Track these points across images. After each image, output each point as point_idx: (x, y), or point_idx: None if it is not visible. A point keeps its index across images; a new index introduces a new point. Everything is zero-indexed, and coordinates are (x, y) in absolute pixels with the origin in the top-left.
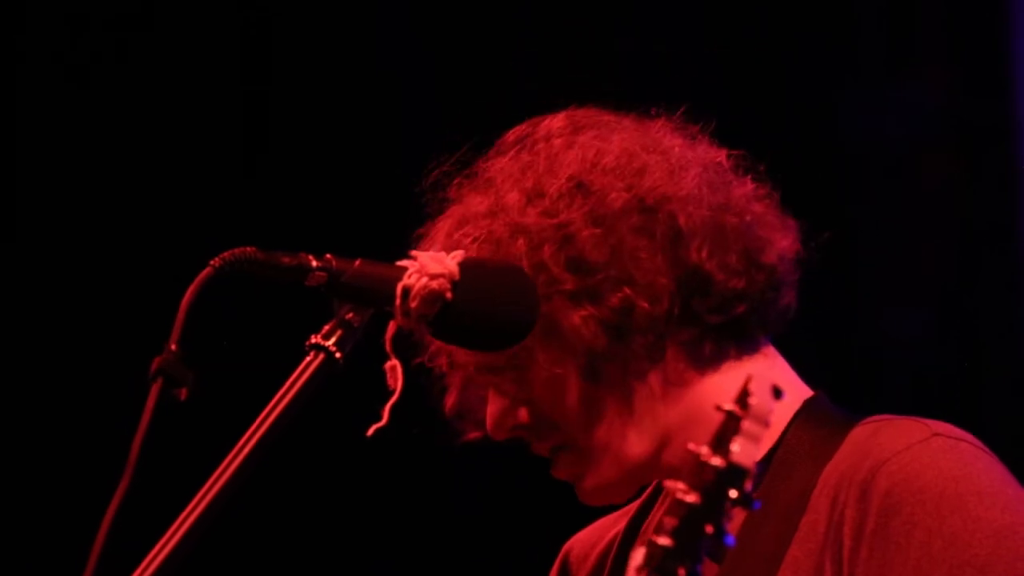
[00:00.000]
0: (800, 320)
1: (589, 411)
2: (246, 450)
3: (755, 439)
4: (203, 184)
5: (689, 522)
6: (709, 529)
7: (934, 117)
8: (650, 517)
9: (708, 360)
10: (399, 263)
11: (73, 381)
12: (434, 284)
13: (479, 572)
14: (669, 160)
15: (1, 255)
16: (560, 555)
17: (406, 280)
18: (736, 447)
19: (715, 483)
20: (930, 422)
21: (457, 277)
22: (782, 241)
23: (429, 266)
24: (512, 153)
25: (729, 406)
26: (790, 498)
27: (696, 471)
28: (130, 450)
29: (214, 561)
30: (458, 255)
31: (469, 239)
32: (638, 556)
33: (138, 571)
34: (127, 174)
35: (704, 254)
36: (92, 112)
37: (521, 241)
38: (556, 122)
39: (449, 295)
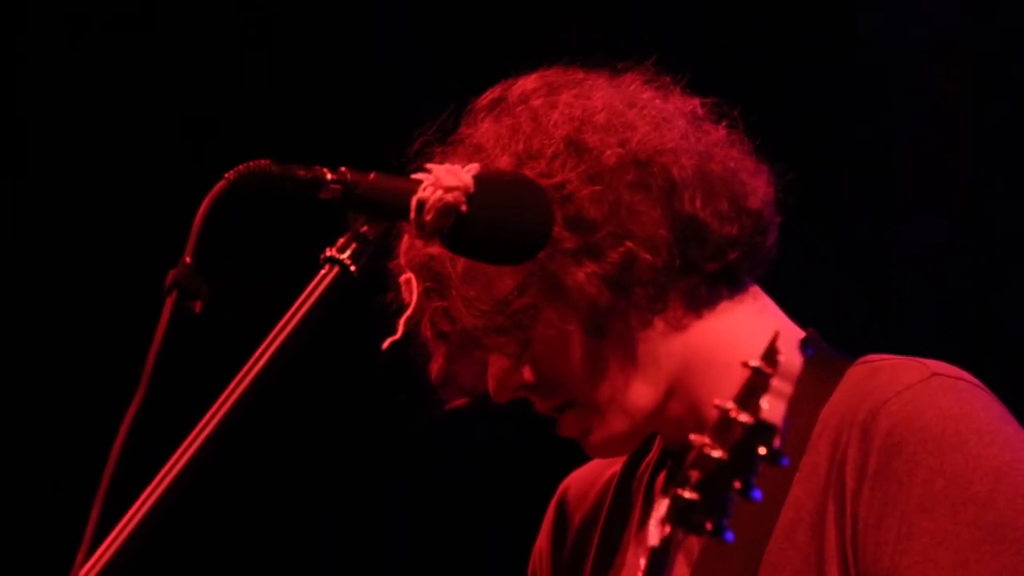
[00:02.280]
0: (819, 233)
1: (595, 366)
2: (261, 363)
3: (783, 396)
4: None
5: (716, 477)
6: (737, 485)
7: (951, 24)
8: (647, 460)
9: (704, 306)
10: (414, 176)
11: (89, 293)
12: (449, 197)
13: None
14: (652, 114)
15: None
16: (558, 493)
17: (421, 193)
18: (765, 404)
19: (743, 439)
20: (928, 362)
21: (472, 190)
22: (762, 185)
23: (444, 179)
24: (492, 117)
25: (756, 362)
26: (791, 438)
27: (722, 426)
28: (145, 363)
29: (229, 474)
30: (473, 168)
31: None
32: (661, 508)
33: (152, 485)
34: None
35: (698, 204)
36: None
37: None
38: (529, 83)
39: (464, 208)
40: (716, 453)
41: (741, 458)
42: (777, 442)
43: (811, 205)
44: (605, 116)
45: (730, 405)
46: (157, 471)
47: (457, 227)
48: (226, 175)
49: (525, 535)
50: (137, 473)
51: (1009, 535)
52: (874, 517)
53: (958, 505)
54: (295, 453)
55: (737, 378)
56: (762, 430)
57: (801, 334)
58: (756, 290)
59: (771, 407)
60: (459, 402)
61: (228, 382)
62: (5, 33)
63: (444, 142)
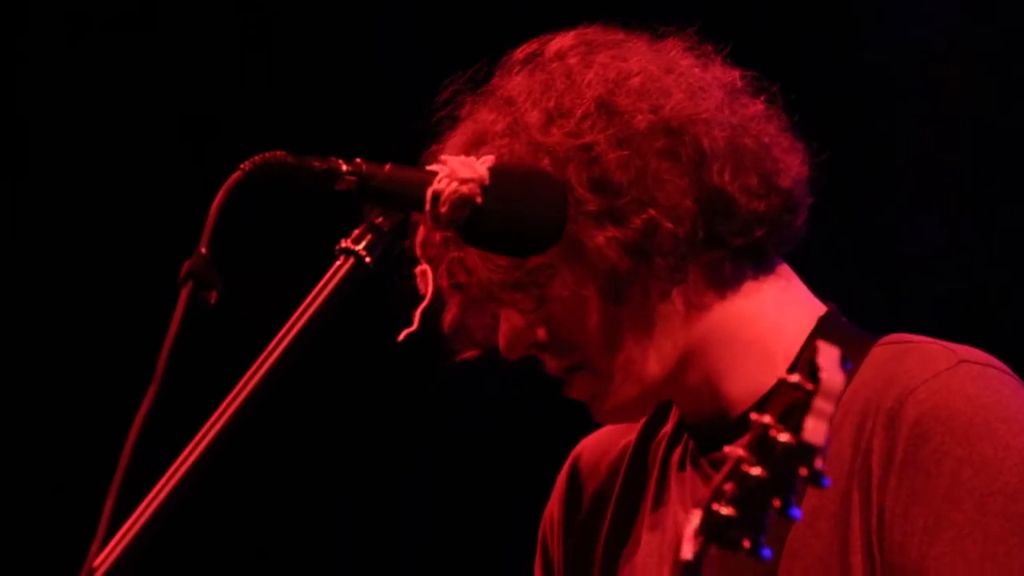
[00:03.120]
0: (826, 230)
1: (610, 332)
2: (276, 353)
3: (825, 416)
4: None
5: (754, 494)
6: (776, 503)
7: (956, 24)
8: (662, 432)
9: (728, 282)
10: (429, 167)
11: (106, 285)
12: (464, 189)
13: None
14: (689, 82)
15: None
16: (570, 459)
17: (436, 184)
18: (809, 425)
19: (783, 459)
20: (956, 347)
21: (487, 182)
22: (795, 163)
23: (459, 171)
24: (526, 71)
25: (796, 378)
26: None
27: (760, 442)
28: (159, 354)
29: (243, 467)
30: (488, 160)
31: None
32: (695, 520)
33: (165, 478)
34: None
35: (727, 177)
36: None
37: (545, 161)
38: (567, 40)
39: (479, 200)
40: (755, 471)
41: (781, 477)
42: (819, 463)
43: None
44: (640, 80)
45: (768, 420)
46: (171, 463)
47: (472, 219)
48: (241, 166)
49: (526, 524)
50: (151, 465)
51: None
52: (901, 507)
53: (986, 496)
54: (309, 445)
55: (757, 357)
56: (804, 451)
57: (822, 309)
58: (783, 268)
59: (814, 428)
60: (470, 354)
61: (242, 374)
62: (5, 33)
63: (475, 92)
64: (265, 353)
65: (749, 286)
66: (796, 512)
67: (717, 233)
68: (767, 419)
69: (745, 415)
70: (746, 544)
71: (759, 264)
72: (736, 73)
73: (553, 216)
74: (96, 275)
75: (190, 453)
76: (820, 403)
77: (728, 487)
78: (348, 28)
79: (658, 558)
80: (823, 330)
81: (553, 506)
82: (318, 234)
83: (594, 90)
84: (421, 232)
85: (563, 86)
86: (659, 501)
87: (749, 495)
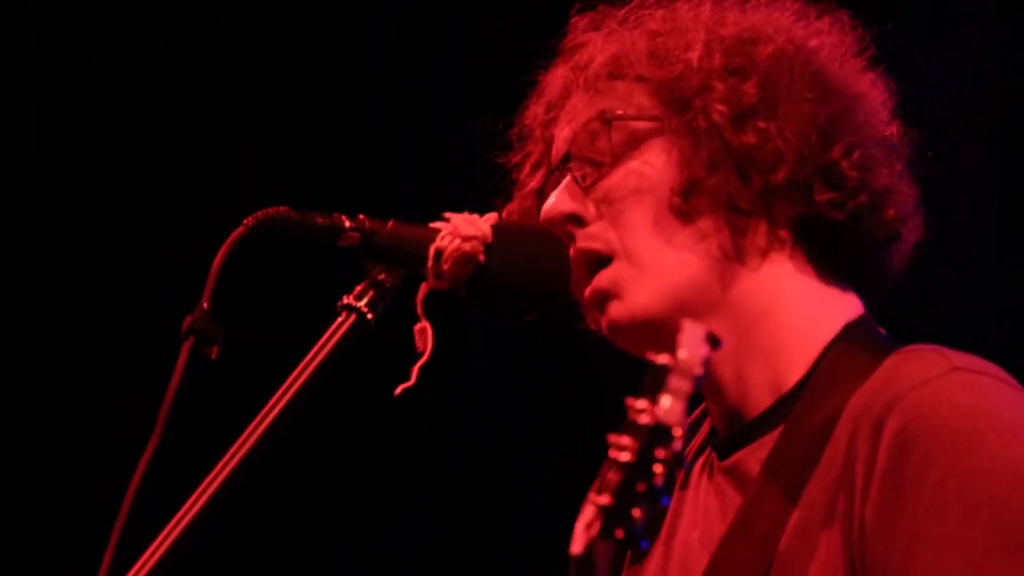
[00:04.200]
0: None
1: (660, 226)
2: (277, 409)
3: (681, 395)
4: (237, 139)
5: (626, 481)
6: (641, 488)
7: (975, 75)
8: (692, 445)
9: (785, 256)
10: (432, 225)
11: (106, 340)
12: (467, 246)
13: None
14: (874, 97)
15: (45, 218)
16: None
17: (439, 242)
18: (663, 403)
19: (647, 442)
20: (952, 354)
21: (490, 239)
22: (908, 200)
23: (462, 228)
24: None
25: (664, 358)
26: (817, 426)
27: (630, 426)
28: (160, 408)
29: (247, 519)
30: (491, 217)
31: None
32: (587, 513)
33: (167, 528)
34: (167, 134)
35: (852, 159)
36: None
37: (700, 33)
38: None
39: (482, 257)
40: (624, 456)
41: (644, 461)
42: (677, 445)
43: None
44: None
45: (639, 403)
46: (173, 515)
47: (475, 276)
48: (245, 221)
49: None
50: (153, 518)
51: None
52: (884, 519)
53: (971, 508)
54: (311, 497)
55: (779, 353)
56: (661, 432)
57: (853, 315)
58: (844, 284)
59: (668, 407)
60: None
61: (243, 429)
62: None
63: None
64: (266, 408)
65: (799, 271)
66: (666, 500)
67: (809, 194)
68: (638, 403)
69: (760, 418)
70: (619, 534)
71: (822, 256)
72: (883, 89)
73: (555, 275)
74: (98, 329)
75: (193, 505)
76: (675, 381)
77: (610, 476)
78: (355, 79)
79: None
80: (848, 335)
81: None
82: (321, 290)
83: (786, 36)
84: (423, 289)
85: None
86: (676, 515)
87: (623, 483)
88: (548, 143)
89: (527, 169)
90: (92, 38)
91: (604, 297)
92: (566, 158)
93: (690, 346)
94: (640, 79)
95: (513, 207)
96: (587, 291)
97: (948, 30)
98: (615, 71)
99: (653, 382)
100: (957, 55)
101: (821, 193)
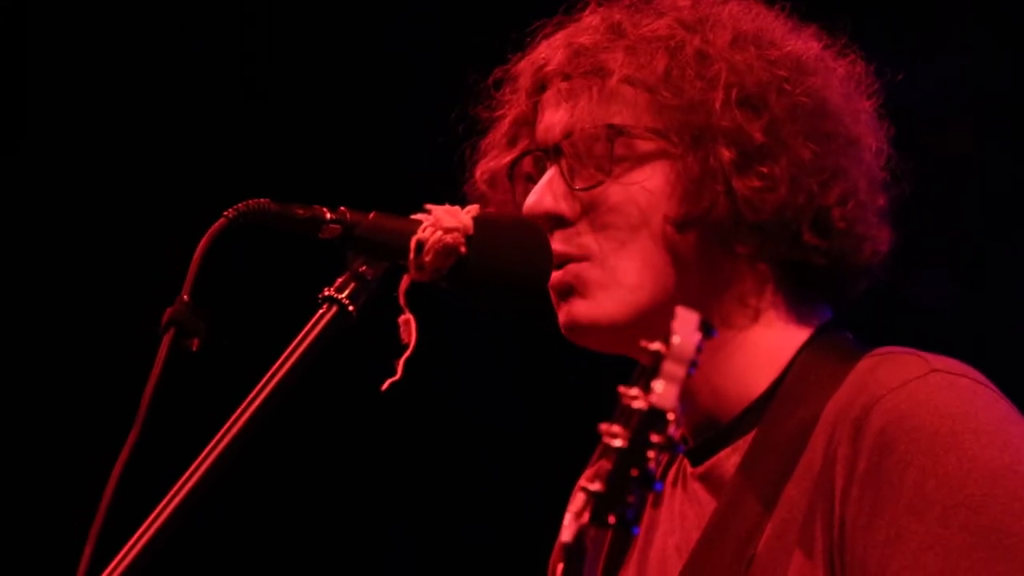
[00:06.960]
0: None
1: (645, 250)
2: (258, 402)
3: (676, 380)
4: (218, 131)
5: (619, 467)
6: (635, 473)
7: (958, 83)
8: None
9: (749, 278)
10: (413, 216)
11: (86, 332)
12: (448, 238)
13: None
14: (877, 140)
15: (22, 210)
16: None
17: (420, 234)
18: (657, 388)
19: (640, 427)
20: (931, 357)
21: (471, 231)
22: (884, 238)
23: (443, 220)
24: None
25: (656, 345)
26: (792, 432)
27: (622, 412)
28: (141, 401)
29: (227, 512)
30: (472, 209)
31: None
32: (577, 501)
33: (147, 523)
34: (151, 124)
35: (845, 209)
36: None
37: (722, 68)
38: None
39: (463, 249)
40: (617, 442)
41: (638, 446)
42: (671, 429)
43: None
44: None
45: (632, 390)
46: (153, 509)
47: (456, 268)
48: (225, 213)
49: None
50: (132, 512)
51: (1003, 541)
52: (863, 519)
53: (949, 508)
54: (292, 490)
55: (751, 360)
56: (656, 416)
57: (821, 320)
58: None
59: (663, 391)
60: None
61: (224, 421)
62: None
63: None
64: (247, 401)
65: (772, 292)
66: (659, 485)
67: (800, 238)
68: (631, 390)
69: (733, 423)
70: (611, 520)
71: (795, 281)
72: (880, 125)
73: (536, 267)
74: (78, 323)
75: (173, 498)
76: (670, 366)
77: (603, 464)
78: (334, 70)
79: None
80: (818, 340)
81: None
82: (302, 282)
83: (795, 43)
84: (405, 281)
85: (761, 23)
86: (650, 529)
87: (615, 469)
88: (534, 109)
89: (505, 126)
90: (64, 25)
91: (569, 290)
92: (557, 150)
93: (684, 332)
94: (652, 91)
95: (486, 166)
96: (553, 278)
97: (934, 31)
98: (628, 76)
99: (645, 370)
100: (943, 57)
101: (809, 237)
